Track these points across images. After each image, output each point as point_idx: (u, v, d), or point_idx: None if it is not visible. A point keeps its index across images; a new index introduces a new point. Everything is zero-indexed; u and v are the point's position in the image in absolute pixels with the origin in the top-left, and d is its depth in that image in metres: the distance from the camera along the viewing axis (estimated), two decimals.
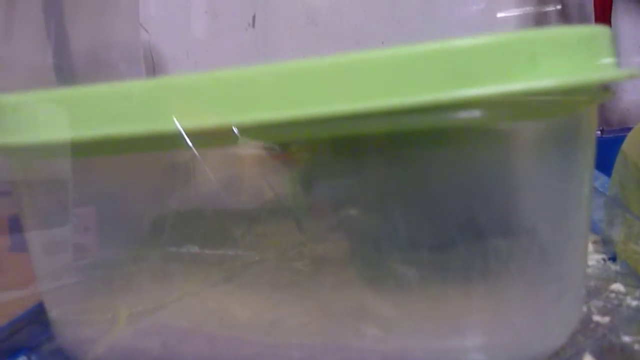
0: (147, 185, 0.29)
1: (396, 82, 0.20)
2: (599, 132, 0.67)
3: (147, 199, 0.29)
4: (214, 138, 0.23)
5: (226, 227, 0.27)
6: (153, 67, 0.78)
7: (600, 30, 0.22)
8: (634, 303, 0.30)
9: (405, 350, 0.23)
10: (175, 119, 0.21)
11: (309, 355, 0.24)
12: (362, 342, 0.24)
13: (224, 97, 0.22)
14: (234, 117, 0.21)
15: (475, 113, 0.20)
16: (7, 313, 0.41)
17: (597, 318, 0.29)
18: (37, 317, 0.35)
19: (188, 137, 0.22)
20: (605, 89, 0.23)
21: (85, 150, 0.24)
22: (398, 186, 0.25)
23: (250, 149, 0.24)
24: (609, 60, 0.22)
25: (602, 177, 0.60)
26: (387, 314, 0.24)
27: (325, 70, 0.21)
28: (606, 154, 0.52)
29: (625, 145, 0.49)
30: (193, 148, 0.22)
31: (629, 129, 0.52)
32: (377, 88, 0.20)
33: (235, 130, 0.21)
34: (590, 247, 0.38)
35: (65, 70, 0.68)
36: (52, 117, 0.23)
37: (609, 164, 0.51)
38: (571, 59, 0.21)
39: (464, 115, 0.20)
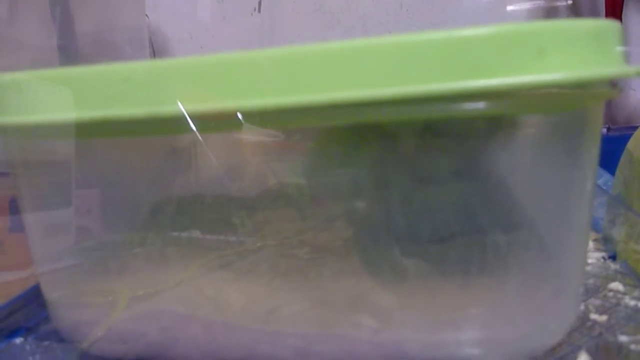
0: (148, 169, 0.29)
1: (401, 71, 0.20)
2: (605, 130, 0.67)
3: (148, 183, 0.29)
4: (217, 122, 0.23)
5: (227, 213, 0.27)
6: (153, 52, 0.78)
7: (610, 24, 0.22)
8: (632, 303, 0.30)
9: (400, 342, 0.23)
10: (178, 102, 0.21)
11: (305, 344, 0.24)
12: (358, 333, 0.23)
13: (228, 80, 0.21)
14: (237, 101, 0.21)
15: (480, 105, 0.20)
16: (7, 293, 0.41)
17: (594, 316, 0.29)
18: (36, 297, 0.35)
19: (191, 120, 0.22)
20: (613, 85, 0.23)
21: (85, 132, 0.24)
22: (399, 177, 0.25)
23: (253, 136, 0.23)
24: (617, 55, 0.22)
25: (606, 175, 0.59)
26: (384, 305, 0.24)
27: (331, 56, 0.20)
28: (611, 152, 0.51)
29: (631, 144, 0.49)
30: (196, 131, 0.22)
31: (636, 128, 0.52)
32: (381, 76, 0.20)
33: (240, 116, 0.21)
34: (591, 245, 0.38)
35: (70, 52, 0.67)
36: (52, 97, 0.23)
37: (614, 162, 0.51)
38: (579, 53, 0.20)
39: (468, 106, 0.20)
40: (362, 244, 0.26)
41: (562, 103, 0.21)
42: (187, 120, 0.21)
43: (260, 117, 0.22)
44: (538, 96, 0.20)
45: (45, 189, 0.28)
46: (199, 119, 0.22)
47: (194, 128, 0.22)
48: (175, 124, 0.22)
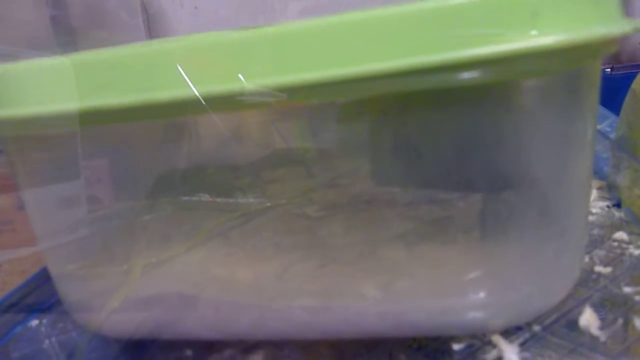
0: (151, 139, 0.29)
1: (392, 43, 0.19)
2: (609, 70, 0.66)
3: (152, 153, 0.29)
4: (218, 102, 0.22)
5: (235, 176, 0.27)
6: (147, 17, 0.76)
7: None
8: (637, 252, 0.30)
9: (404, 310, 0.24)
10: (178, 67, 0.21)
11: (312, 316, 0.24)
12: (363, 303, 0.24)
13: (227, 60, 0.21)
14: (238, 80, 0.21)
15: (475, 73, 0.20)
16: (21, 269, 0.42)
17: (599, 268, 0.29)
18: (48, 278, 0.36)
19: (188, 103, 0.21)
20: (611, 40, 0.22)
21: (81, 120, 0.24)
22: (400, 137, 0.25)
23: (257, 97, 0.23)
24: (614, 9, 0.21)
25: (611, 117, 0.59)
26: (386, 272, 0.25)
27: (319, 32, 0.20)
28: (616, 92, 0.51)
29: (636, 84, 0.48)
30: (207, 107, 0.21)
31: None
32: (372, 50, 0.20)
33: (241, 77, 0.21)
34: (595, 193, 0.38)
35: (62, 21, 0.66)
36: (42, 88, 0.22)
37: (619, 102, 0.50)
38: (574, 11, 0.20)
39: (462, 76, 0.20)
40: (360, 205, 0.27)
41: (558, 65, 0.21)
42: (189, 102, 0.21)
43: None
44: (534, 61, 0.20)
45: (43, 164, 0.28)
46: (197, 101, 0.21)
47: (206, 107, 0.21)
48: (171, 107, 0.22)
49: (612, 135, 0.52)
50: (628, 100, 0.48)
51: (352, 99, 0.23)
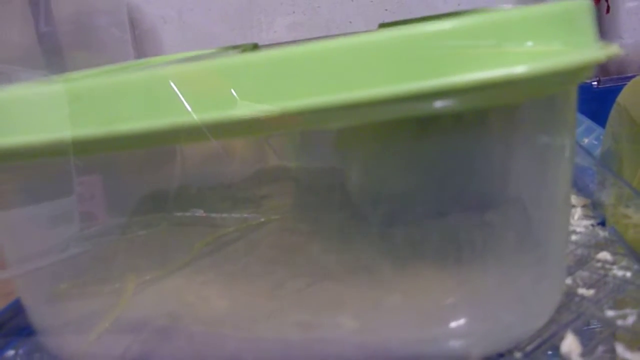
0: (142, 155, 0.28)
1: (356, 73, 0.19)
2: (596, 83, 0.66)
3: (144, 170, 0.28)
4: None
5: (229, 192, 0.27)
6: (136, 35, 0.76)
7: (578, 4, 0.21)
8: (620, 273, 0.30)
9: (382, 341, 0.23)
10: (185, 106, 0.21)
11: (286, 349, 0.24)
12: (339, 334, 0.23)
13: (219, 84, 0.21)
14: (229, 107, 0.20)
15: (446, 102, 0.19)
16: (6, 292, 0.42)
17: (581, 291, 0.29)
18: None
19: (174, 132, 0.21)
20: (583, 67, 0.22)
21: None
22: (377, 159, 0.25)
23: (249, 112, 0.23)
24: (588, 36, 0.21)
25: (598, 129, 0.59)
26: (361, 300, 0.24)
27: (301, 60, 0.20)
28: (603, 104, 0.51)
29: (621, 98, 0.48)
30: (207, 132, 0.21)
31: (627, 78, 0.51)
32: (339, 79, 0.19)
33: (234, 93, 0.21)
34: (580, 211, 0.38)
35: (51, 39, 0.66)
36: (33, 116, 0.22)
37: (605, 115, 0.50)
38: (546, 39, 0.20)
39: (436, 104, 0.19)
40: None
41: (530, 93, 0.21)
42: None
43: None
44: (504, 89, 0.20)
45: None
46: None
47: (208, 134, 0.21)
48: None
49: (599, 149, 0.52)
50: (613, 112, 0.48)
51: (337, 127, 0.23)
